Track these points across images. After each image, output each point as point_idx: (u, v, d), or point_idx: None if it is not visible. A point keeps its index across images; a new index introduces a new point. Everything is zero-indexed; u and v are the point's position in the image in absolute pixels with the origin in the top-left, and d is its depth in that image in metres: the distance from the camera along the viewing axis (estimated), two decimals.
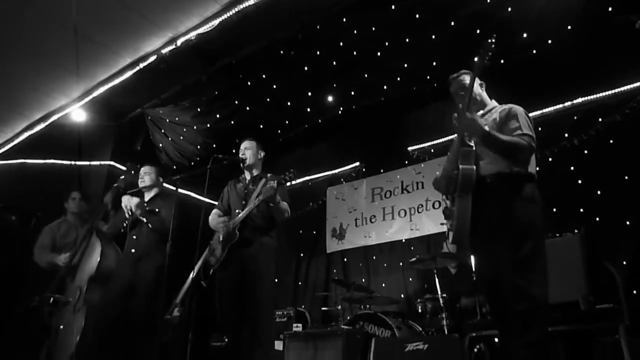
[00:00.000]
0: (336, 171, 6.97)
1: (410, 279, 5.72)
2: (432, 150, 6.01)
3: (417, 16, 4.52)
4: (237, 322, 3.31)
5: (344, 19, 4.65)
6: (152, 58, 4.98)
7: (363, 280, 6.04)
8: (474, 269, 4.05)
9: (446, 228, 2.65)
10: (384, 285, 5.92)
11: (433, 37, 4.74)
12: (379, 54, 5.00)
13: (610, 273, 3.44)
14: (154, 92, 5.75)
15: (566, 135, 4.96)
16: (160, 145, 6.25)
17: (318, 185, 7.09)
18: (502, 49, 2.87)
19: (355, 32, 4.77)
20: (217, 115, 5.86)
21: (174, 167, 6.27)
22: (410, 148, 6.21)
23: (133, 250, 3.86)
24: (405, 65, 5.16)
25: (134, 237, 3.91)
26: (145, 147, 6.36)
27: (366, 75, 5.34)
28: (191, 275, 3.43)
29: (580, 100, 5.01)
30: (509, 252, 2.30)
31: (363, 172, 6.74)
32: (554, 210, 4.53)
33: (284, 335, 4.51)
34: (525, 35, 4.59)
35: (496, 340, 3.16)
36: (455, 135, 2.73)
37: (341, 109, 5.97)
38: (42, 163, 6.06)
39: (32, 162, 6.07)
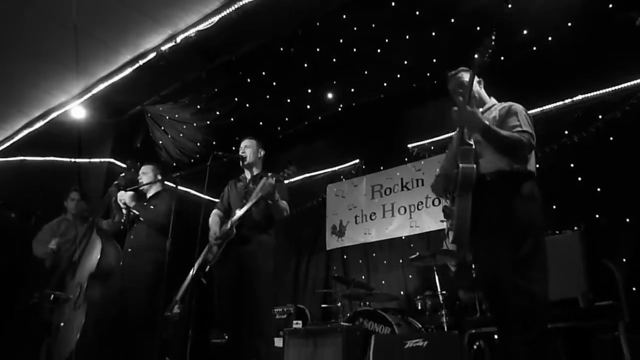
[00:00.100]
0: (336, 168, 6.97)
1: (410, 276, 5.73)
2: (432, 148, 6.01)
3: (417, 13, 4.51)
4: (236, 319, 3.32)
5: (344, 16, 4.64)
6: (152, 55, 4.96)
7: (363, 277, 6.05)
8: (473, 267, 4.06)
9: (446, 227, 2.65)
10: (383, 282, 5.93)
11: (433, 34, 4.72)
12: (378, 51, 4.99)
13: (609, 270, 3.43)
14: (153, 89, 5.73)
15: (566, 132, 4.95)
16: (160, 142, 6.24)
17: (318, 182, 7.09)
18: (502, 46, 2.86)
19: (355, 29, 4.76)
20: (217, 113, 5.86)
21: (174, 164, 6.27)
22: (410, 145, 6.22)
23: (131, 247, 3.90)
24: (405, 63, 5.15)
25: (132, 233, 3.96)
26: (145, 144, 6.35)
27: (366, 72, 5.33)
28: (191, 273, 3.44)
29: (580, 97, 5.00)
30: (509, 250, 2.29)
31: (363, 169, 6.75)
32: (554, 207, 4.53)
33: (284, 332, 4.52)
34: (525, 32, 4.57)
35: (496, 337, 3.17)
36: (454, 134, 2.72)
37: (341, 106, 5.96)
38: (42, 160, 6.06)
39: (32, 159, 6.07)
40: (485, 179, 2.43)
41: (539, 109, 5.03)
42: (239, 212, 3.43)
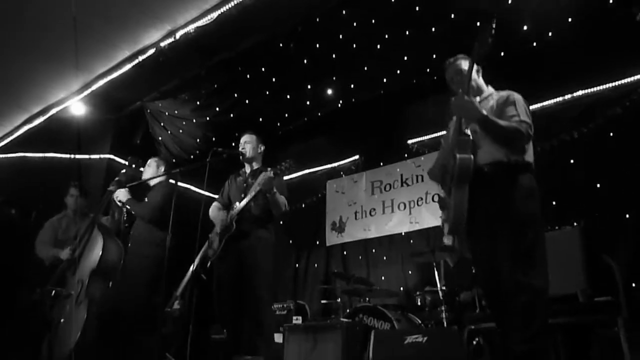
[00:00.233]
0: (336, 164, 6.96)
1: (410, 272, 5.73)
2: (432, 144, 6.00)
3: (417, 9, 4.50)
4: (235, 315, 3.33)
5: (344, 12, 4.63)
6: (151, 51, 4.96)
7: (363, 273, 6.06)
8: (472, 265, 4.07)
9: (441, 219, 2.64)
10: (383, 278, 5.94)
11: (433, 29, 4.71)
12: (378, 46, 4.98)
13: (609, 266, 3.44)
14: (153, 86, 5.73)
15: (566, 128, 4.94)
16: (160, 138, 6.24)
17: (317, 178, 7.08)
18: (502, 42, 2.85)
19: (354, 24, 4.75)
20: (217, 109, 5.85)
21: (174, 160, 6.26)
22: (410, 141, 6.20)
23: (132, 242, 3.95)
24: (405, 58, 5.13)
25: (133, 229, 4.01)
26: (144, 140, 6.36)
27: (366, 68, 5.32)
28: (191, 268, 3.45)
29: (580, 93, 4.98)
30: (508, 244, 2.29)
31: (363, 166, 6.73)
32: (554, 203, 4.53)
33: (284, 327, 4.52)
34: (525, 27, 4.56)
35: (495, 332, 3.18)
36: (451, 124, 2.71)
37: (341, 102, 5.96)
38: (42, 156, 6.07)
39: (32, 155, 6.07)
40: (483, 170, 2.41)
41: (538, 105, 5.00)
42: (238, 206, 3.44)
